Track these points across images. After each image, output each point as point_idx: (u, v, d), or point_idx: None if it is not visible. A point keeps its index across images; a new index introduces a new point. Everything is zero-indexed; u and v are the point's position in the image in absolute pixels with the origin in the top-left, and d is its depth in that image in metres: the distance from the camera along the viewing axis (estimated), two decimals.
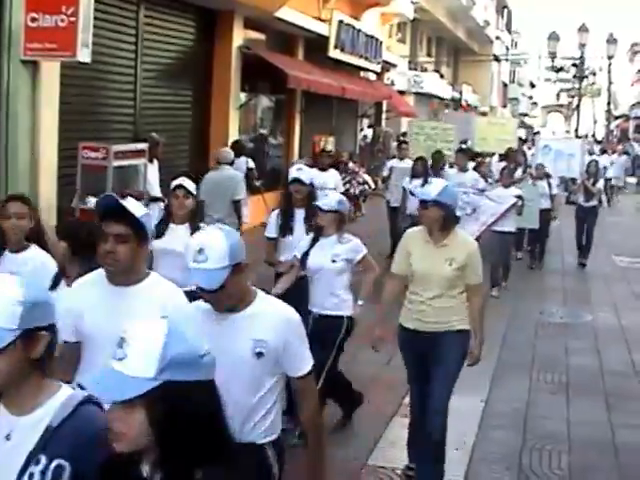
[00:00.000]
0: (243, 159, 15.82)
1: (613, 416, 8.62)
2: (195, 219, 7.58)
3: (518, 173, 17.40)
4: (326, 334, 7.24)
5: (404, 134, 21.65)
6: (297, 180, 8.39)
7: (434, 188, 6.43)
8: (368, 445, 7.42)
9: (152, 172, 12.39)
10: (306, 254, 7.49)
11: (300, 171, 8.45)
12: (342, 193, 16.79)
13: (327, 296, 7.39)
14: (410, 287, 6.64)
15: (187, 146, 17.40)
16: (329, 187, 13.85)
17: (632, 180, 36.20)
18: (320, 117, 24.82)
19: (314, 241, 7.52)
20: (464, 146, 18.66)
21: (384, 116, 32.58)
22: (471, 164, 17.75)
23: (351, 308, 7.48)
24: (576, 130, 42.18)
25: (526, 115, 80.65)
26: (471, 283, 6.55)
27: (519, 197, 14.11)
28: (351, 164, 22.99)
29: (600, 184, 18.15)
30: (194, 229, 7.16)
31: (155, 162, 12.65)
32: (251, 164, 16.30)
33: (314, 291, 7.49)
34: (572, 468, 7.27)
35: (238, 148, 15.53)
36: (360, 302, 7.52)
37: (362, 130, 30.95)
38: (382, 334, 6.87)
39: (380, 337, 6.87)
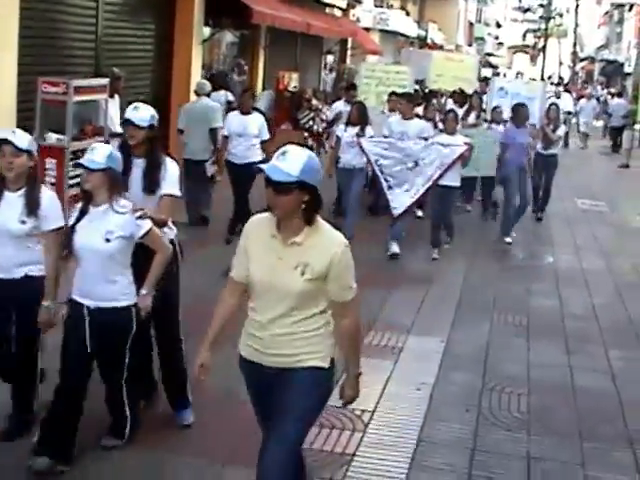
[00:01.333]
0: (222, 92, 17.15)
1: (572, 359, 8.68)
2: (32, 182, 5.93)
3: (472, 118, 16.43)
4: (111, 338, 5.79)
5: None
6: (129, 122, 6.34)
7: (294, 163, 4.36)
8: None
9: (113, 107, 12.20)
10: (72, 229, 5.70)
11: (135, 111, 6.33)
12: (305, 130, 16.03)
13: (102, 284, 5.67)
14: (249, 301, 4.72)
15: (149, 81, 17.12)
16: (252, 133, 12.28)
17: (598, 124, 36.15)
18: (284, 53, 24.60)
19: (82, 213, 5.72)
20: (412, 90, 17.26)
21: (349, 53, 32.31)
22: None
23: (134, 296, 5.83)
24: (542, 71, 42.07)
25: (492, 55, 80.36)
26: (337, 300, 4.58)
27: (466, 144, 12.32)
28: (315, 101, 22.77)
29: (561, 130, 16.45)
30: (30, 196, 5.88)
31: (116, 97, 12.45)
32: (230, 97, 17.39)
33: (83, 276, 5.72)
34: (531, 411, 7.31)
35: (219, 81, 17.53)
36: (144, 291, 5.82)
37: (326, 67, 30.69)
38: (207, 363, 4.83)
39: (205, 367, 4.83)
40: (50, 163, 10.92)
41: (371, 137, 12.74)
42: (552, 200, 16.91)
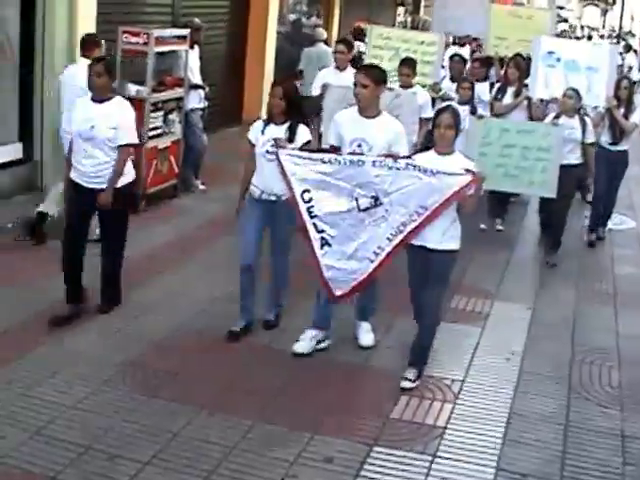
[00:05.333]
0: None
1: None
2: None
3: (508, 96, 11.70)
4: None
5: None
6: None
7: None
8: None
9: (193, 58, 12.02)
10: None
11: None
12: None
13: None
14: None
15: (225, 30, 16.95)
16: (104, 137, 7.31)
17: None
18: (359, 3, 24.22)
19: None
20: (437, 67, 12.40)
21: (423, 4, 31.73)
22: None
23: None
24: (619, 28, 40.58)
25: (562, 8, 78.74)
26: None
27: (471, 173, 6.50)
28: None
29: (637, 115, 11.15)
30: None
31: (196, 48, 12.26)
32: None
33: None
34: (622, 385, 7.10)
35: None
36: None
37: (401, 16, 30.14)
38: None
39: None
40: None
41: (306, 143, 7.24)
42: (630, 160, 12.09)
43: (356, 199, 6.75)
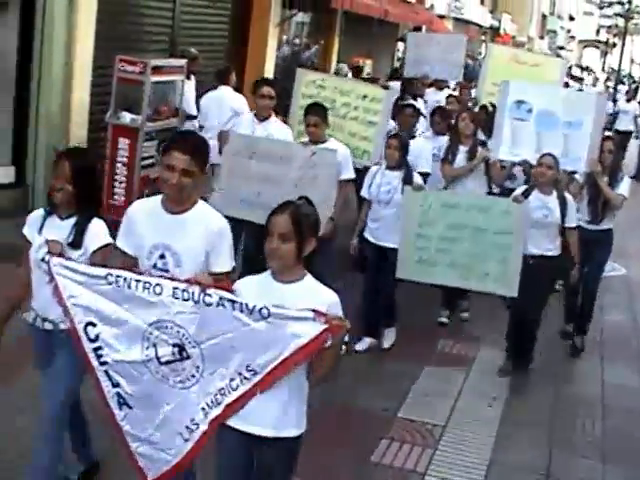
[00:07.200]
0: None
1: None
2: None
3: (460, 158, 9.24)
4: None
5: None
6: None
7: None
8: (399, 397, 7.22)
9: (189, 89, 12.04)
10: None
11: None
12: None
13: None
14: None
15: (223, 61, 16.95)
16: None
17: None
18: (358, 39, 24.30)
19: None
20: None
21: None
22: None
23: None
24: (618, 70, 40.46)
25: (563, 48, 79.39)
26: None
27: (324, 317, 3.86)
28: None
29: (625, 186, 8.62)
30: None
31: (192, 78, 12.28)
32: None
33: None
34: (606, 436, 7.07)
35: None
36: None
37: (400, 52, 30.24)
38: None
39: None
40: (123, 143, 10.79)
41: (102, 248, 4.87)
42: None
43: (154, 345, 4.20)
